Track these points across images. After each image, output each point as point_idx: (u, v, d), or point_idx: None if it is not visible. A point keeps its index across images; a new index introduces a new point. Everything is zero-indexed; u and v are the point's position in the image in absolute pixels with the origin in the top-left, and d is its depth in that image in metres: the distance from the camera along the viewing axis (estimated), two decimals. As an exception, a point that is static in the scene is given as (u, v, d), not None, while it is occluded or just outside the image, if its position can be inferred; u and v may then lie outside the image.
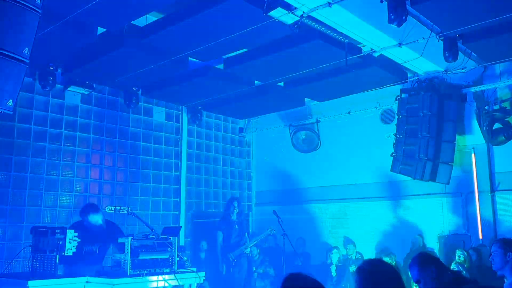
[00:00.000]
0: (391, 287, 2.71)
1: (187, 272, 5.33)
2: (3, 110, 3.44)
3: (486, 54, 7.52)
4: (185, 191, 10.05)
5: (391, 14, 5.62)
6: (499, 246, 3.79)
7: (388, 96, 8.85)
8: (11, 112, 3.52)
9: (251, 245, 8.29)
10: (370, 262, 2.96)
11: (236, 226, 8.09)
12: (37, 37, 3.83)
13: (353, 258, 9.23)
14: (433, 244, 8.70)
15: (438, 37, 6.74)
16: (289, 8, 5.72)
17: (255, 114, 11.11)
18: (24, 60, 3.58)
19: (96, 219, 5.64)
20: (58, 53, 7.22)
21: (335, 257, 8.75)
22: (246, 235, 8.48)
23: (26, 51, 3.55)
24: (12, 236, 7.49)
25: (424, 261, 3.36)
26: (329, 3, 5.49)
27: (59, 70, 7.95)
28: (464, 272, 6.59)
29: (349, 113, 9.61)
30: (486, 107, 8.16)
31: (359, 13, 5.87)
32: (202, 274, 5.43)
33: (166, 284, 5.08)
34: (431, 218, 8.85)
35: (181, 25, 6.22)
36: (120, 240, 4.96)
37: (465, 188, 8.54)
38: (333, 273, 8.62)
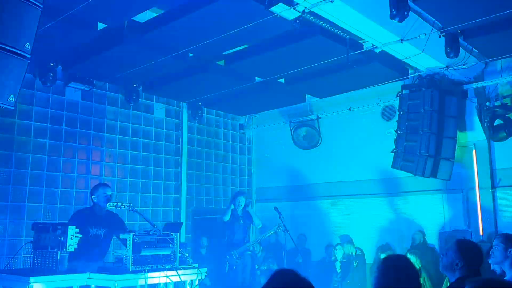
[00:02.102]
0: (409, 283, 2.75)
1: (189, 268, 5.33)
2: (4, 106, 3.43)
3: (487, 50, 7.52)
4: (185, 187, 10.04)
5: (393, 10, 5.61)
6: (501, 241, 3.80)
7: (389, 92, 8.83)
8: (13, 108, 3.51)
9: (256, 243, 8.22)
10: (396, 256, 3.08)
11: (241, 222, 8.04)
12: (37, 33, 3.81)
13: (354, 254, 9.23)
14: (433, 240, 8.70)
15: (439, 33, 6.73)
16: (291, 3, 5.70)
17: (255, 110, 11.10)
18: (26, 55, 3.57)
19: (109, 192, 5.66)
20: (58, 49, 7.21)
21: (339, 253, 8.76)
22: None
23: (27, 46, 3.54)
24: (13, 232, 7.49)
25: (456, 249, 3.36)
26: (331, -2, 5.47)
27: (59, 66, 7.93)
28: None
29: (350, 109, 9.60)
30: (487, 103, 8.17)
31: (360, 9, 5.84)
32: (204, 270, 5.42)
33: (168, 280, 5.07)
34: (432, 214, 8.85)
35: (182, 21, 6.20)
36: (122, 236, 4.95)
37: (466, 184, 8.53)
38: (338, 269, 8.63)
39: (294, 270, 2.23)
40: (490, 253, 3.89)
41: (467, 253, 3.30)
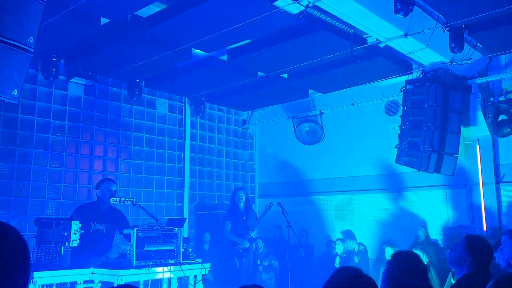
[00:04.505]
0: (419, 278, 2.77)
1: (192, 263, 5.32)
2: (8, 100, 3.41)
3: (492, 45, 7.46)
4: (188, 183, 10.04)
5: (398, 4, 5.57)
6: (510, 237, 3.79)
7: (393, 87, 8.80)
8: (17, 102, 3.50)
9: (255, 228, 8.11)
10: (407, 252, 3.12)
11: (244, 217, 8.01)
12: (40, 28, 3.79)
13: (356, 250, 9.23)
14: (437, 235, 8.69)
15: (444, 27, 6.68)
16: (294, -3, 5.66)
17: (258, 106, 11.07)
18: (29, 49, 3.55)
19: (113, 187, 5.66)
20: (61, 44, 7.19)
21: (339, 248, 8.76)
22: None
23: (31, 40, 3.52)
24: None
25: (464, 245, 3.34)
26: (335, -8, 5.44)
27: (62, 61, 7.91)
28: None
29: (353, 104, 9.56)
30: (491, 99, 8.13)
31: (365, 3, 5.81)
32: (208, 265, 5.42)
33: (172, 276, 5.07)
34: (435, 209, 8.83)
35: (185, 16, 6.17)
36: (126, 231, 4.95)
37: (470, 180, 8.51)
38: (337, 264, 8.63)
39: (357, 268, 2.22)
40: (499, 249, 3.88)
41: (476, 250, 3.27)
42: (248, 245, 7.92)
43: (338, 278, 2.14)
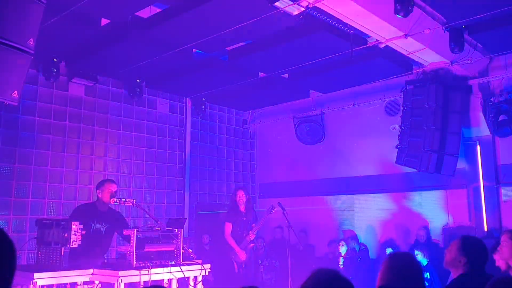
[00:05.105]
0: (414, 281, 2.77)
1: (192, 264, 5.32)
2: (8, 102, 3.42)
3: (492, 45, 7.47)
4: (189, 183, 10.04)
5: (397, 5, 5.57)
6: (510, 237, 3.80)
7: (393, 87, 8.81)
8: (16, 104, 3.50)
9: (255, 232, 8.03)
10: (402, 254, 3.13)
11: (244, 218, 7.89)
12: (41, 29, 3.80)
13: (357, 250, 9.22)
14: (437, 236, 8.68)
15: (444, 28, 6.69)
16: (294, -2, 5.67)
17: (259, 106, 11.08)
18: (29, 51, 3.56)
19: (114, 188, 5.71)
20: (61, 45, 7.20)
21: (343, 249, 8.77)
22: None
23: (30, 42, 3.52)
24: (17, 228, 7.50)
25: (460, 246, 3.35)
26: (335, -7, 5.44)
27: (62, 62, 7.92)
28: None
29: (353, 105, 9.57)
30: (491, 99, 8.11)
31: (365, 4, 5.81)
32: (208, 266, 5.42)
33: (172, 276, 5.07)
34: (436, 210, 8.82)
35: (185, 17, 6.19)
36: (126, 232, 4.96)
37: (470, 180, 8.50)
38: (341, 264, 8.64)
39: (335, 270, 2.22)
40: (498, 249, 3.89)
41: (471, 251, 3.28)
42: (244, 258, 7.79)
43: (315, 280, 2.15)
